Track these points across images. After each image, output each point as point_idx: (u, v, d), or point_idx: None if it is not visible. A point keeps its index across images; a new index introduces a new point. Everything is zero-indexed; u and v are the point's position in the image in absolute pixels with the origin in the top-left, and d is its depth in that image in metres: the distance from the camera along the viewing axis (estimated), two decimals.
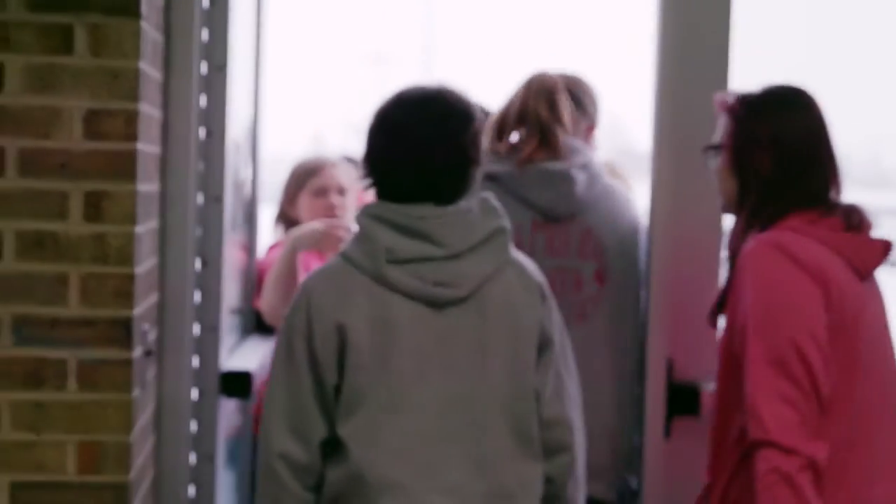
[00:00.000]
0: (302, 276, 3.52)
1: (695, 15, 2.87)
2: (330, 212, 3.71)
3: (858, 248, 2.40)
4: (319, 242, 3.39)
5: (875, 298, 2.43)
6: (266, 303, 3.49)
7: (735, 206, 2.44)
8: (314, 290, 2.31)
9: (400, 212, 2.29)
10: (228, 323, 3.12)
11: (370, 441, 2.25)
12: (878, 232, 2.45)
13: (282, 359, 2.31)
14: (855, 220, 2.39)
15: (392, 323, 2.26)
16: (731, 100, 2.44)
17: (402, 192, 2.31)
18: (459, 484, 2.27)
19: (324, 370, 2.27)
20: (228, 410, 3.05)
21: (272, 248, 3.80)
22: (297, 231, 3.46)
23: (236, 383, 2.91)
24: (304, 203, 3.76)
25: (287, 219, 3.81)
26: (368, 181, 2.36)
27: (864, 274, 2.40)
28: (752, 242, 2.35)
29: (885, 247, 2.43)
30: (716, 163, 2.46)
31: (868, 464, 2.34)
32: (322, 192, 3.74)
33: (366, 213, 2.33)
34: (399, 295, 2.27)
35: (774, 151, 2.37)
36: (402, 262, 2.27)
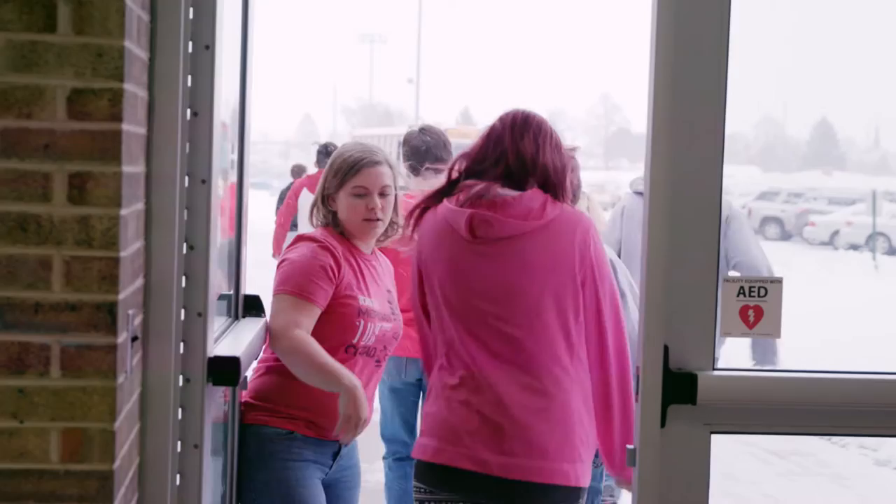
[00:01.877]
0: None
1: None
2: (370, 214, 3.69)
3: (456, 218, 3.32)
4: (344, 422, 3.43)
5: (491, 258, 3.28)
6: (301, 363, 3.51)
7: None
8: None
9: None
10: (217, 308, 3.09)
11: None
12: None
13: None
14: (469, 197, 3.31)
15: None
16: None
17: None
18: None
19: None
20: (215, 397, 3.00)
21: (301, 239, 3.70)
22: (356, 399, 3.42)
23: (223, 370, 2.87)
24: (344, 201, 3.72)
25: (327, 210, 3.77)
26: None
27: (471, 237, 3.29)
28: None
29: (472, 218, 3.29)
30: None
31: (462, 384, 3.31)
32: (363, 194, 3.70)
33: None
34: None
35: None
36: None
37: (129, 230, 2.46)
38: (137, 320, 2.58)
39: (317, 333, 3.52)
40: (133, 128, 2.46)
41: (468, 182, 3.34)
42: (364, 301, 3.65)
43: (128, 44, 2.37)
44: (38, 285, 2.34)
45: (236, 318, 3.59)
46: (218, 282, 3.09)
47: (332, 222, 3.75)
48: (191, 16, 2.71)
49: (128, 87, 2.38)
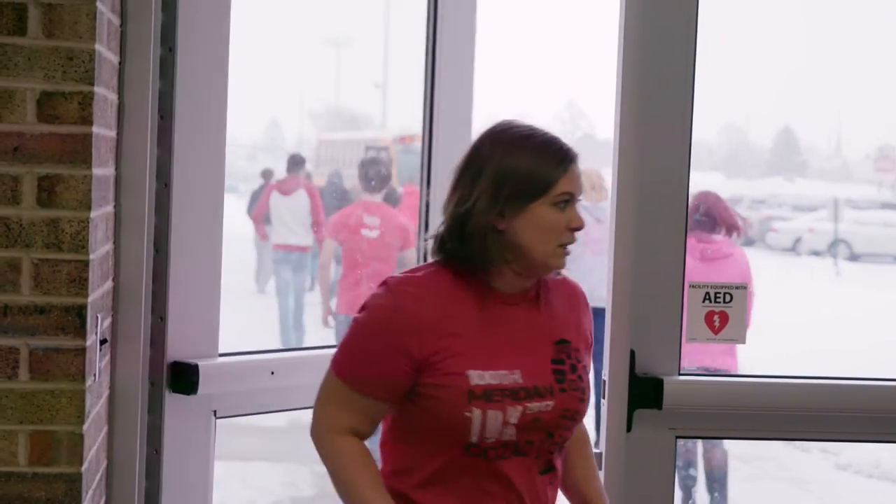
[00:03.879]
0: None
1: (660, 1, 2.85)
2: (570, 237, 2.41)
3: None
4: None
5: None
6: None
7: None
8: None
9: None
10: None
11: None
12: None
13: None
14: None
15: None
16: None
17: None
18: None
19: None
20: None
21: (384, 285, 2.41)
22: None
23: (182, 376, 2.80)
24: (538, 219, 2.36)
25: (497, 237, 2.37)
26: None
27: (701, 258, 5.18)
28: None
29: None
30: None
31: None
32: (566, 202, 2.39)
33: None
34: None
35: None
36: None
37: (99, 233, 2.46)
38: (106, 323, 2.58)
39: (418, 430, 2.40)
40: (103, 131, 2.46)
41: None
42: (478, 378, 2.34)
43: (98, 47, 2.37)
44: (7, 288, 2.34)
45: None
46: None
47: (490, 254, 2.38)
48: (161, 19, 2.72)
49: (98, 90, 2.38)
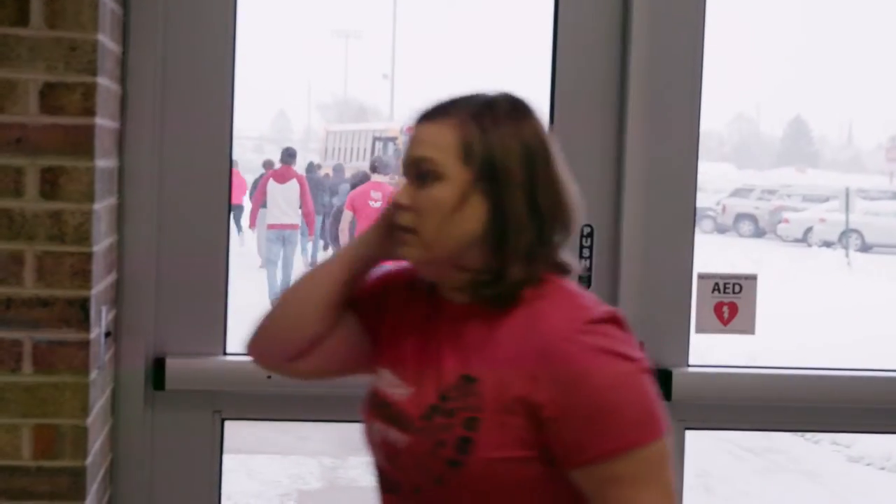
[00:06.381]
0: None
1: None
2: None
3: None
4: None
5: None
6: None
7: None
8: None
9: None
10: None
11: None
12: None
13: None
14: None
15: None
16: None
17: None
18: None
19: None
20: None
21: None
22: None
23: (157, 371, 2.73)
24: None
25: None
26: None
27: None
28: None
29: None
30: None
31: None
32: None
33: None
34: None
35: None
36: None
37: (102, 225, 2.44)
38: (110, 316, 2.56)
39: None
40: (106, 122, 2.45)
41: None
42: (378, 379, 1.89)
43: (101, 37, 2.35)
44: (10, 280, 2.32)
45: None
46: None
47: None
48: (163, 8, 2.70)
49: (101, 81, 2.36)
